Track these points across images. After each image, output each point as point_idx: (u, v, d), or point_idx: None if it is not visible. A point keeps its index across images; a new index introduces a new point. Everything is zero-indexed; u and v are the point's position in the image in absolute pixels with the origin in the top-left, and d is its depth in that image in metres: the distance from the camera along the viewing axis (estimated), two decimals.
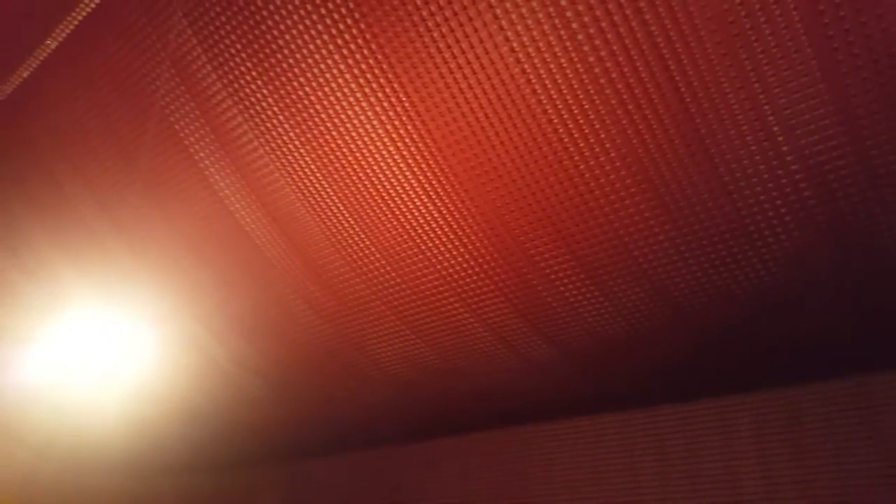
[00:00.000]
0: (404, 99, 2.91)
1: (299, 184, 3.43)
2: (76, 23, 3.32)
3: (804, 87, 2.44)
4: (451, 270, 3.54)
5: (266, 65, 3.03)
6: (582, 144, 2.80)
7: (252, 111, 3.23)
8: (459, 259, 3.47)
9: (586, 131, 2.76)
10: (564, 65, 2.59)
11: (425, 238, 3.44)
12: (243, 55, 3.04)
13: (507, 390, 4.41)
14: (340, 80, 2.95)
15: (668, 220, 2.96)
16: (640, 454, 4.28)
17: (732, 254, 3.02)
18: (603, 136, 2.76)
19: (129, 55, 3.30)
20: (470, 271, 3.51)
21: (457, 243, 3.40)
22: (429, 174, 3.14)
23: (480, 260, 3.43)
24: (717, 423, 4.04)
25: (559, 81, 2.65)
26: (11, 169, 4.23)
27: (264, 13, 2.86)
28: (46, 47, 3.49)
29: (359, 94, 2.97)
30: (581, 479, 4.47)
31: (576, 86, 2.64)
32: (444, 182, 3.14)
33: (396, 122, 3.00)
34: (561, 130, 2.78)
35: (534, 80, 2.67)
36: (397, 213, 3.37)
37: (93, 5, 3.21)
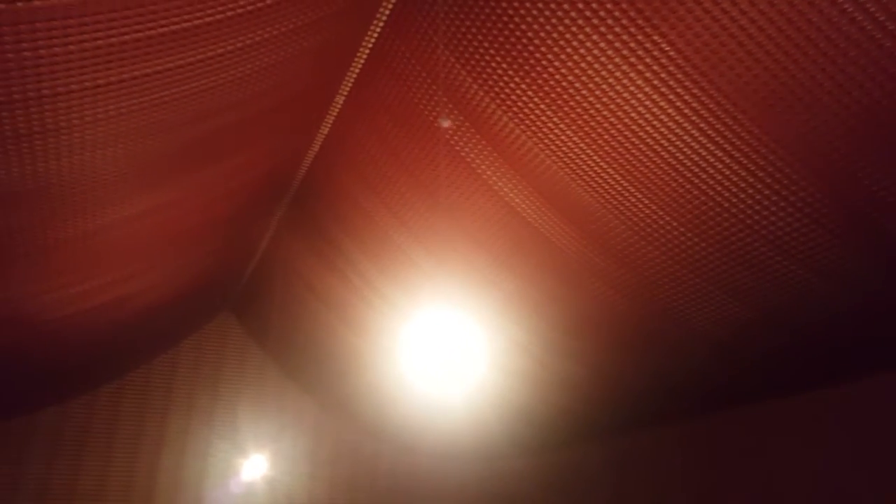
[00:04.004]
0: (668, 48, 2.70)
1: (572, 166, 3.42)
2: (355, 75, 3.78)
3: None
4: (760, 219, 3.19)
5: (520, 59, 3.07)
6: None
7: (515, 108, 3.31)
8: (772, 208, 3.11)
9: None
10: None
11: (720, 189, 3.16)
12: (492, 51, 3.14)
13: (841, 340, 3.83)
14: (589, 44, 2.85)
15: None
16: None
17: None
18: None
19: (402, 91, 3.64)
20: (789, 218, 3.11)
21: (759, 186, 3.05)
22: (713, 122, 2.86)
23: (800, 204, 3.02)
24: None
25: None
26: (329, 205, 5.02)
27: (510, 12, 2.91)
28: (336, 104, 4.06)
29: (617, 60, 2.84)
30: None
31: None
32: (736, 127, 2.83)
33: (664, 75, 2.80)
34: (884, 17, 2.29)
35: None
36: (680, 168, 3.15)
37: (364, 57, 3.63)
